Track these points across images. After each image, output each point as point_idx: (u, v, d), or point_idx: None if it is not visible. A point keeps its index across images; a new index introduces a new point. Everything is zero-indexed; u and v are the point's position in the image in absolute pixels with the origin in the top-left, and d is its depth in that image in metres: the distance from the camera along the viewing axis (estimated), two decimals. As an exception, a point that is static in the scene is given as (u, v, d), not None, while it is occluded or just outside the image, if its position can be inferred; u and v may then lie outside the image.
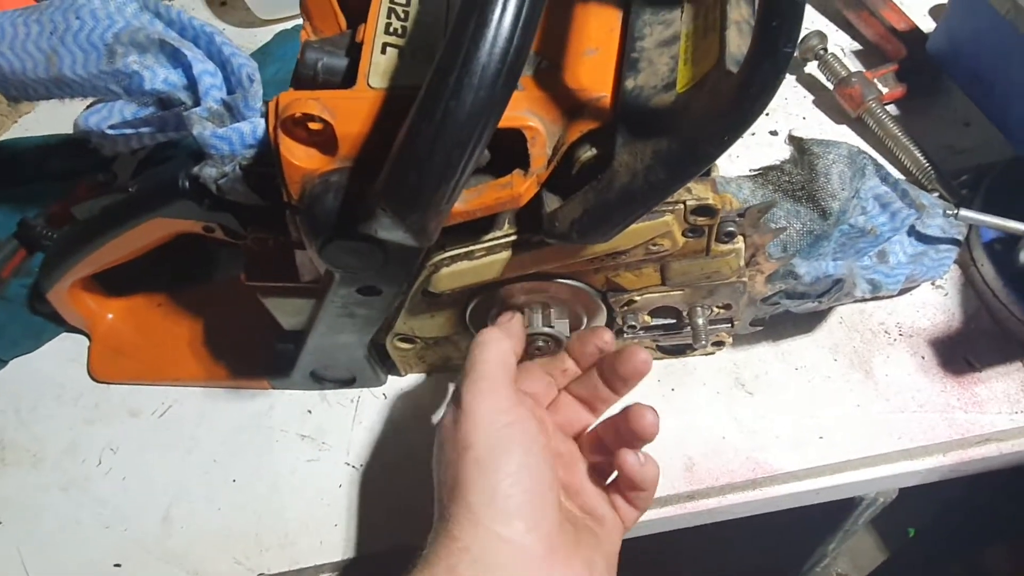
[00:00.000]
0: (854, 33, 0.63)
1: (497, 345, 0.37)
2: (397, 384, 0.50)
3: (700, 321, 0.43)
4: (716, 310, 0.44)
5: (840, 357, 0.48)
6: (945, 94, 0.58)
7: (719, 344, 0.47)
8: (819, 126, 0.58)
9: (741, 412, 0.46)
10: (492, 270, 0.38)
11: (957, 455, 0.45)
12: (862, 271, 0.44)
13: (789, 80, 0.60)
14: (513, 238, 0.37)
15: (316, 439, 0.49)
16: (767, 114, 0.59)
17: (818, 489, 0.44)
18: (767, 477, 0.44)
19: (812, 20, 0.63)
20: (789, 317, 0.47)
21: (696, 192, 0.36)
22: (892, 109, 0.57)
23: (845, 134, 0.57)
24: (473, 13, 0.25)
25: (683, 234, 0.37)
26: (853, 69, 0.57)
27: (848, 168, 0.42)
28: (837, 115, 0.58)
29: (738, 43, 0.29)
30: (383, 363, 0.49)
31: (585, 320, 0.44)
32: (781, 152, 0.57)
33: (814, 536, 0.97)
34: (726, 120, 0.27)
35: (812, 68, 0.60)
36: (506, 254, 0.37)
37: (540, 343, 0.42)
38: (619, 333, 0.45)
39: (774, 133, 0.58)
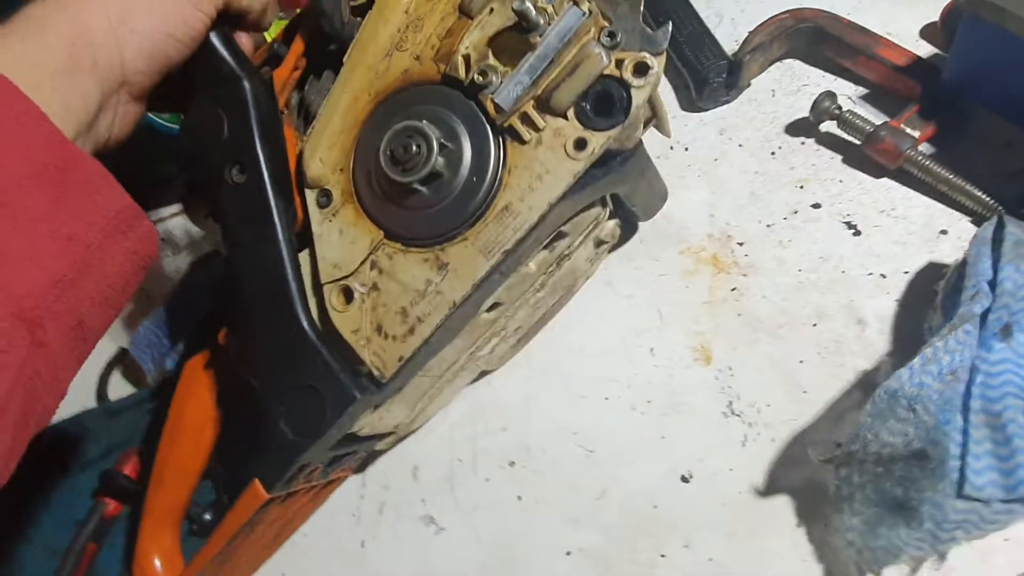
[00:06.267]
0: (855, 77, 0.60)
1: None
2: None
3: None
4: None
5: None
6: (976, 120, 0.56)
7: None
8: (859, 184, 0.56)
9: None
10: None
11: None
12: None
13: (811, 146, 0.59)
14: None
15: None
16: (800, 187, 0.57)
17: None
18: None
19: (808, 75, 0.61)
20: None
21: None
22: (926, 148, 0.55)
23: (888, 185, 0.55)
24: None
25: None
26: (875, 120, 0.56)
27: None
28: (873, 168, 0.56)
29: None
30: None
31: None
32: (828, 226, 0.53)
33: None
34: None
35: (829, 126, 0.58)
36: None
37: None
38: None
39: (816, 206, 0.56)
